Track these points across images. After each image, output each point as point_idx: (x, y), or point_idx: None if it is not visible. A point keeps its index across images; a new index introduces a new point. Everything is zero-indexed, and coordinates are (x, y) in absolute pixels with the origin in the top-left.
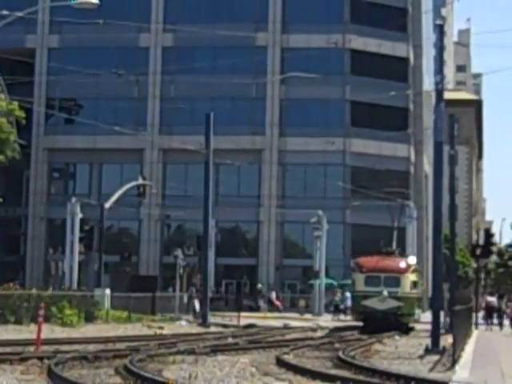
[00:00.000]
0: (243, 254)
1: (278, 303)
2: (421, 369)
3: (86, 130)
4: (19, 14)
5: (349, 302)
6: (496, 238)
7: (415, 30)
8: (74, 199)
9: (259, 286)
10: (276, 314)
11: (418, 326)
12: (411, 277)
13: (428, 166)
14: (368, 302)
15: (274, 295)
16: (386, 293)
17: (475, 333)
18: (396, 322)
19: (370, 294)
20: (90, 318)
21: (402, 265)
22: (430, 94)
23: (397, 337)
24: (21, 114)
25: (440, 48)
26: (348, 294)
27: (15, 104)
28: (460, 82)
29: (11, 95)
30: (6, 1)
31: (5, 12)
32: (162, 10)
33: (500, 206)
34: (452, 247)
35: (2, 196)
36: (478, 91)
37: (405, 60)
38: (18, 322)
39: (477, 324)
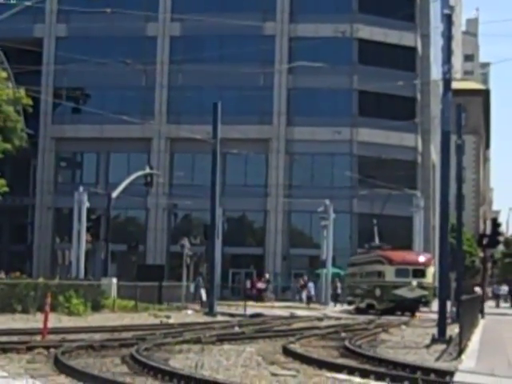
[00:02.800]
0: (250, 244)
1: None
2: (427, 358)
3: (94, 119)
4: (27, 3)
5: (312, 291)
6: (503, 228)
7: (423, 19)
8: (81, 188)
9: (267, 275)
10: (281, 304)
11: (424, 316)
12: (432, 269)
13: (435, 156)
14: (399, 291)
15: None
16: (414, 283)
17: (482, 322)
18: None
19: (400, 284)
20: (96, 307)
21: (427, 258)
22: (437, 84)
23: (403, 326)
24: (28, 101)
25: (448, 37)
26: (311, 284)
27: (22, 92)
28: (468, 72)
29: (19, 84)
30: None
31: (13, 1)
32: (169, 0)
33: (507, 196)
34: (459, 237)
35: (9, 185)
36: (485, 81)
37: (412, 49)
38: (25, 311)
39: (483, 313)
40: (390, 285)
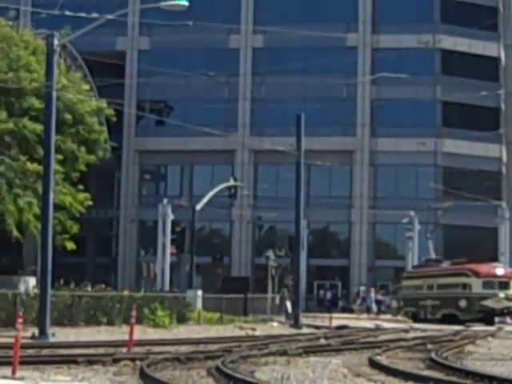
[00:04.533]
0: (335, 255)
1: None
2: None
3: (177, 131)
4: (109, 16)
5: (370, 302)
6: None
7: (506, 29)
8: (165, 201)
9: (361, 288)
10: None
11: (509, 328)
12: None
13: None
14: (486, 302)
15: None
16: (502, 295)
17: None
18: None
19: (487, 295)
20: (181, 320)
21: (509, 271)
22: None
23: (489, 338)
24: (110, 111)
25: None
26: (372, 295)
27: (104, 103)
28: None
29: (102, 97)
30: (96, 4)
31: (95, 15)
32: (251, 11)
33: None
34: None
35: (93, 198)
36: None
37: (496, 60)
38: (111, 323)
39: None
40: (477, 296)
